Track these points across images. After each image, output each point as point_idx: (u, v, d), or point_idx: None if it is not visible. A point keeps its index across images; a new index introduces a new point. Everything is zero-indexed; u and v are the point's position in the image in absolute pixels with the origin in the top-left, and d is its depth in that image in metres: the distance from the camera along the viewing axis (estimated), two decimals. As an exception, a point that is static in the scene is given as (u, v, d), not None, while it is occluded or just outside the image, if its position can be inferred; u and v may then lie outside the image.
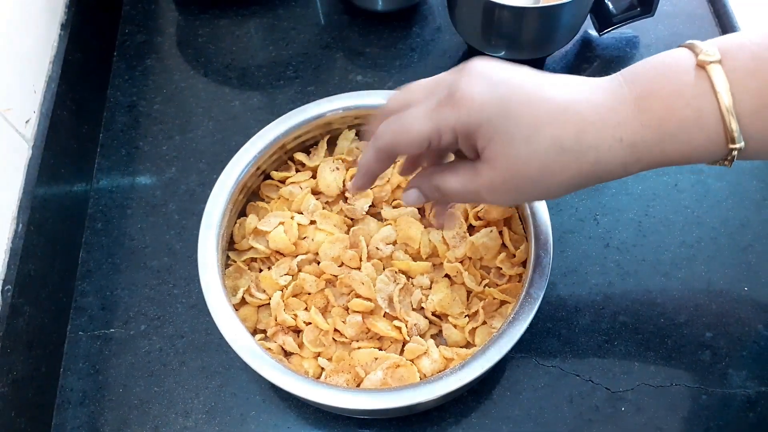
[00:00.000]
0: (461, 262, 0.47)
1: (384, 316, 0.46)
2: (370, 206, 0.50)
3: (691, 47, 0.32)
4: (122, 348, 0.50)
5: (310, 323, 0.46)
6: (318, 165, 0.51)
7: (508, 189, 0.34)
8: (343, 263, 0.48)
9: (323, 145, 0.52)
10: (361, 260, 0.47)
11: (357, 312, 0.46)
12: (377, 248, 0.48)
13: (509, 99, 0.32)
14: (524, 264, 0.46)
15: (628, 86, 0.32)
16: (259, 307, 0.47)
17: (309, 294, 0.47)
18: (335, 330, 0.45)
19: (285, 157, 0.52)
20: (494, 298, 0.46)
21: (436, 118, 0.33)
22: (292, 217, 0.49)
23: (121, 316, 0.51)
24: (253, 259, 0.49)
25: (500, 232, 0.47)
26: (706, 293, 0.50)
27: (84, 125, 0.59)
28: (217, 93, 0.63)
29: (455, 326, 0.46)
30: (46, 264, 0.49)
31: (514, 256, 0.46)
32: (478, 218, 0.48)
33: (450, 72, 0.35)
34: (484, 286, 0.46)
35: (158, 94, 0.63)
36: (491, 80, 0.33)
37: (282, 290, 0.47)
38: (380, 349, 0.45)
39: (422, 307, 0.46)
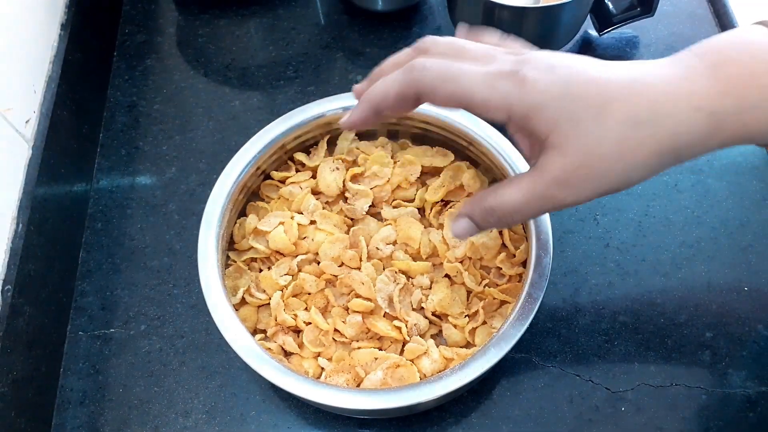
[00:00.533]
0: (461, 262, 0.47)
1: (384, 316, 0.46)
2: (370, 206, 0.50)
3: (765, 23, 0.31)
4: (122, 348, 0.50)
5: (310, 323, 0.46)
6: (318, 165, 0.51)
7: (583, 177, 0.30)
8: (343, 263, 0.48)
9: (323, 145, 0.52)
10: (361, 260, 0.47)
11: (357, 312, 0.46)
12: (377, 248, 0.48)
13: (572, 81, 0.30)
14: (524, 264, 0.46)
15: (699, 57, 0.31)
16: (259, 307, 0.47)
17: (309, 294, 0.47)
18: (335, 330, 0.45)
19: (285, 157, 0.52)
20: (494, 298, 0.46)
21: (495, 86, 0.31)
22: (292, 217, 0.49)
23: (121, 316, 0.51)
24: (253, 259, 0.49)
25: (500, 232, 0.47)
26: (706, 293, 0.50)
27: (84, 125, 0.59)
28: (217, 93, 0.63)
29: (455, 326, 0.46)
30: (46, 264, 0.49)
31: (514, 256, 0.46)
32: (478, 218, 0.48)
33: (504, 50, 0.33)
34: (484, 286, 0.46)
35: (158, 94, 0.63)
36: (552, 66, 0.31)
37: (282, 290, 0.47)
38: (380, 349, 0.45)
39: (422, 307, 0.46)
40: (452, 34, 0.32)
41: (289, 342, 0.45)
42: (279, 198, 0.50)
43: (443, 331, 0.46)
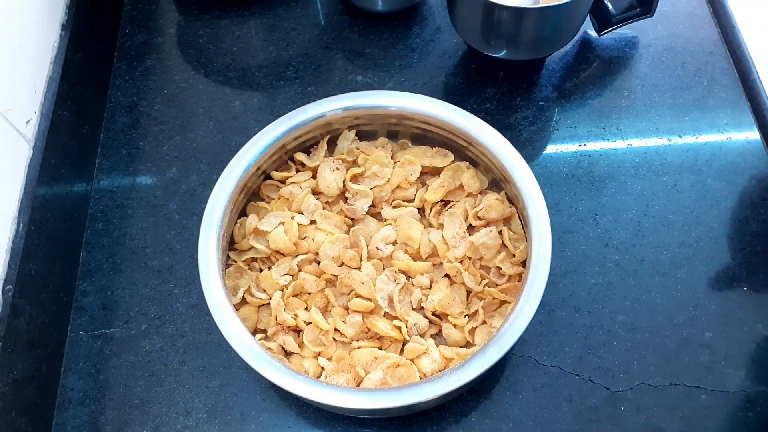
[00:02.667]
0: (461, 261, 0.47)
1: (384, 316, 0.46)
2: (370, 206, 0.50)
3: None
4: (123, 348, 0.50)
5: (310, 323, 0.46)
6: (318, 165, 0.51)
7: None
8: (343, 263, 0.48)
9: (323, 145, 0.52)
10: (361, 260, 0.47)
11: (357, 312, 0.46)
12: (377, 248, 0.48)
13: None
14: (524, 264, 0.46)
15: None
16: (259, 306, 0.47)
17: (309, 294, 0.47)
18: (335, 330, 0.46)
19: (285, 157, 0.52)
20: (494, 298, 0.46)
21: None
22: (292, 217, 0.49)
23: (121, 316, 0.51)
24: (254, 259, 0.49)
25: (500, 232, 0.47)
26: (706, 293, 0.50)
27: (85, 125, 0.59)
28: (217, 93, 0.63)
29: (455, 326, 0.46)
30: (46, 264, 0.49)
31: (514, 256, 0.46)
32: (478, 218, 0.48)
33: None
34: (484, 286, 0.46)
35: (159, 94, 0.63)
36: None
37: (282, 290, 0.47)
38: (380, 349, 0.45)
39: (422, 307, 0.47)
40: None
41: (289, 342, 0.45)
42: (279, 198, 0.51)
43: (443, 331, 0.46)
